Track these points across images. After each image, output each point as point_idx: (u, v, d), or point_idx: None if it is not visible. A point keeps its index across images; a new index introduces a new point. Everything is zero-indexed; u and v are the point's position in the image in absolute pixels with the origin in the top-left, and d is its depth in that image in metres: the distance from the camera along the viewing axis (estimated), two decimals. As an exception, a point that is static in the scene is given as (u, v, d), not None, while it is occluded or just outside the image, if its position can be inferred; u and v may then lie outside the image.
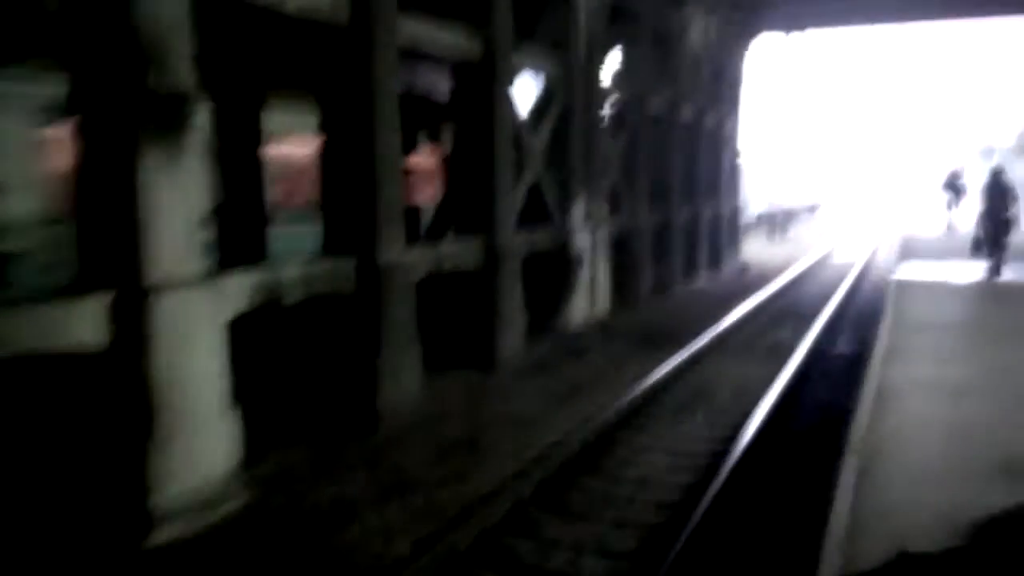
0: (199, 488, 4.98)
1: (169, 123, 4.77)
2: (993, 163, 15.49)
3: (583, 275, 10.72)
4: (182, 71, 4.86)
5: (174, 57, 4.79)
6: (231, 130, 8.28)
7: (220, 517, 5.05)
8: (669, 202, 14.87)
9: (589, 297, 11.00)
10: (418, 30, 7.26)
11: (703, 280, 16.54)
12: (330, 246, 6.75)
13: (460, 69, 8.37)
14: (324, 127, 6.69)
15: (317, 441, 6.31)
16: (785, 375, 8.03)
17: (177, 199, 4.81)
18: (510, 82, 8.74)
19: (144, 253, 4.64)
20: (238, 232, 8.15)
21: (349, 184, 6.60)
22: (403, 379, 6.94)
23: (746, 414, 6.88)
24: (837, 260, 21.32)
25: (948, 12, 18.32)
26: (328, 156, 6.71)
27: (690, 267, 16.11)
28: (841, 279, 16.31)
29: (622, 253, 12.69)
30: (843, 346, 10.30)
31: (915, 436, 5.33)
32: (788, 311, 12.97)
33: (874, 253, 21.70)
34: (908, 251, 17.28)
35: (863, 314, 12.37)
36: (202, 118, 5.30)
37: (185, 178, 4.84)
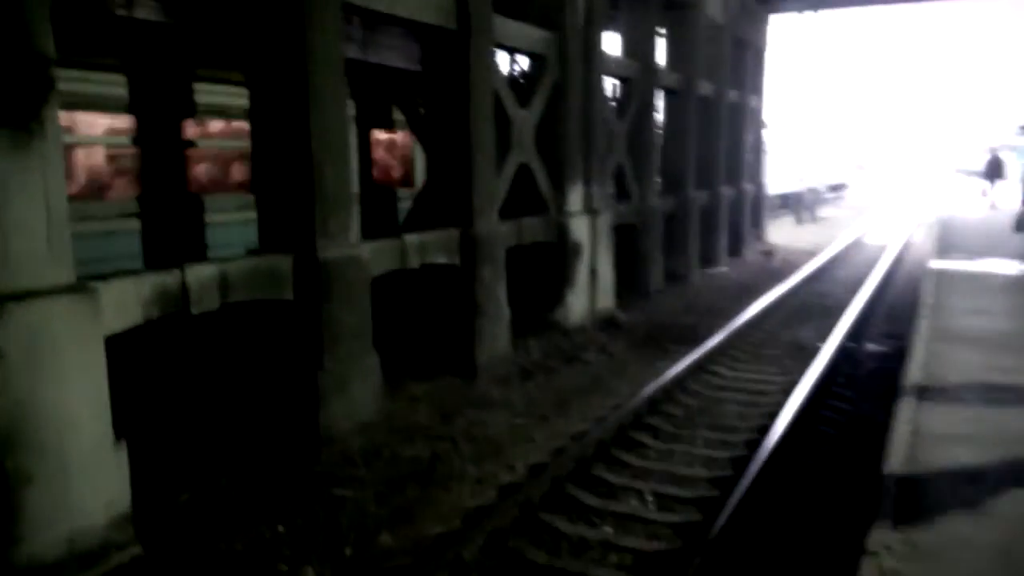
0: (75, 539, 4.11)
1: (20, 97, 3.82)
2: None
3: (581, 266, 9.65)
4: (38, 31, 3.90)
5: (25, 13, 3.83)
6: (155, 108, 7.32)
7: (103, 572, 4.20)
8: (684, 184, 13.70)
9: (589, 291, 9.94)
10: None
11: (724, 268, 15.38)
12: (266, 241, 5.80)
13: (428, 33, 7.31)
14: (253, 101, 5.71)
15: (242, 473, 5.38)
16: (803, 388, 6.92)
17: (32, 191, 3.87)
18: (489, 48, 7.66)
19: (-12, 257, 3.73)
20: (166, 225, 7.20)
21: (282, 168, 5.61)
22: (354, 393, 5.99)
23: (754, 442, 5.80)
24: (870, 243, 19.96)
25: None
26: (259, 136, 5.73)
27: (709, 254, 14.95)
28: (873, 266, 15.04)
29: (629, 241, 11.61)
30: (875, 347, 9.16)
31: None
32: (815, 304, 11.80)
33: (909, 236, 20.30)
34: (946, 234, 15.88)
35: (897, 311, 11.17)
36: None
37: (42, 165, 3.90)
